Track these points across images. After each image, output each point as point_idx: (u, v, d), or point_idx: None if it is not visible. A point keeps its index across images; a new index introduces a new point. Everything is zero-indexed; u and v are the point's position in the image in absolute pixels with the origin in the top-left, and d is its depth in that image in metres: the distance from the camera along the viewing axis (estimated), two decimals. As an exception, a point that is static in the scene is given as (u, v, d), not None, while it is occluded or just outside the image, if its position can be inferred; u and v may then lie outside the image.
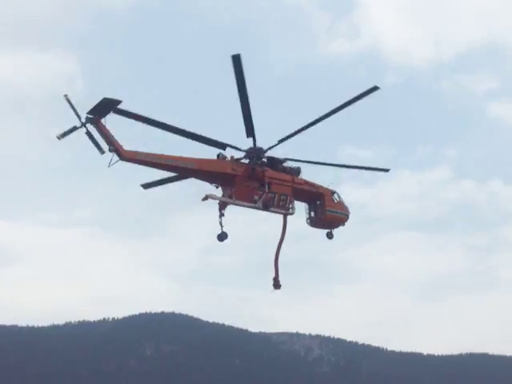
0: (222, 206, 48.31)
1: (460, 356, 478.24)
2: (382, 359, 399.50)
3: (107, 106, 44.03)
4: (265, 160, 50.19)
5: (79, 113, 44.65)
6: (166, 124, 46.38)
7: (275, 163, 50.49)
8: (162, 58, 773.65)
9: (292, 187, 50.57)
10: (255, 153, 49.43)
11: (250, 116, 46.69)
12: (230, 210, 49.08)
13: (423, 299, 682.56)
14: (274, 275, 51.20)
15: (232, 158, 49.32)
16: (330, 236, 53.45)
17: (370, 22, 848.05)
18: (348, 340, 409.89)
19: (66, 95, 44.26)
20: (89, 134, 45.09)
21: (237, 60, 44.54)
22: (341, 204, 53.13)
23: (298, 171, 51.64)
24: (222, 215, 48.24)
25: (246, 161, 49.71)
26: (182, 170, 47.74)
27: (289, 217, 50.69)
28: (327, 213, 52.07)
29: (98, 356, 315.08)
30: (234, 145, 48.95)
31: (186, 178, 49.41)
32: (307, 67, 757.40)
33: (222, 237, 48.76)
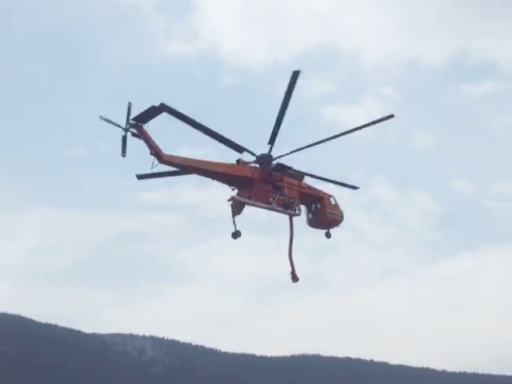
0: (238, 206, 53.10)
1: (293, 357, 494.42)
2: (215, 360, 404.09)
3: (152, 113, 48.03)
4: (274, 166, 54.94)
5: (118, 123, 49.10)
6: (201, 125, 50.31)
7: (284, 169, 55.31)
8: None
9: (298, 191, 55.78)
10: (266, 159, 54.19)
11: (280, 127, 51.68)
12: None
13: (257, 301, 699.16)
14: (290, 270, 56.61)
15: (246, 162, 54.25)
16: (328, 235, 58.71)
17: (207, 24, 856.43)
18: (181, 341, 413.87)
19: (129, 103, 48.44)
20: (124, 138, 49.21)
21: (296, 75, 49.90)
22: (337, 206, 58.12)
23: (302, 177, 56.84)
24: (235, 215, 53.04)
25: (256, 165, 54.60)
26: (210, 173, 52.43)
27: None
28: (327, 214, 57.26)
29: None
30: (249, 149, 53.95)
31: (187, 174, 53.49)
32: (145, 68, 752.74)
33: (236, 235, 53.55)
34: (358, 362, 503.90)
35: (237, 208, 53.35)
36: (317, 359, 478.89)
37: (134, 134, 49.34)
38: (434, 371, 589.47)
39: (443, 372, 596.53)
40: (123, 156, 49.43)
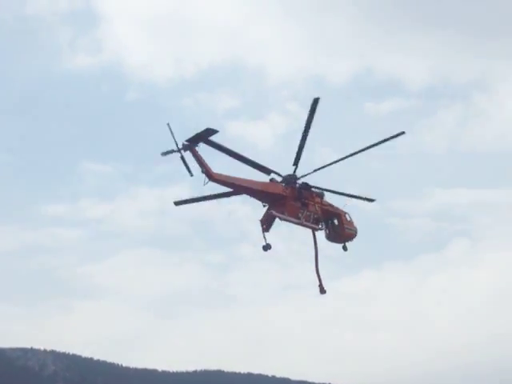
0: (268, 221, 57.98)
1: (195, 372, 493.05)
2: (116, 375, 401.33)
3: (204, 136, 52.34)
4: (300, 184, 60.02)
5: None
6: (240, 155, 55.61)
7: (309, 188, 60.30)
8: None
9: (321, 208, 60.62)
10: (292, 179, 59.09)
11: (302, 150, 57.22)
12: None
13: (159, 316, 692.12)
14: (318, 283, 60.97)
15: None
16: (345, 249, 63.71)
17: (113, 37, 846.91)
18: (83, 356, 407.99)
19: (168, 124, 52.10)
20: (183, 158, 53.35)
21: (316, 102, 54.92)
22: (352, 222, 63.08)
23: (323, 195, 61.64)
24: (264, 230, 57.76)
25: (283, 184, 59.64)
26: (250, 190, 57.49)
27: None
28: (345, 230, 62.23)
29: None
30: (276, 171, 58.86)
31: (224, 196, 58.75)
32: (49, 81, 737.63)
33: (267, 248, 57.83)
34: (260, 377, 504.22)
35: (266, 224, 57.81)
36: (219, 374, 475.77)
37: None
38: None
39: None
40: (191, 175, 53.44)
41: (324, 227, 61.77)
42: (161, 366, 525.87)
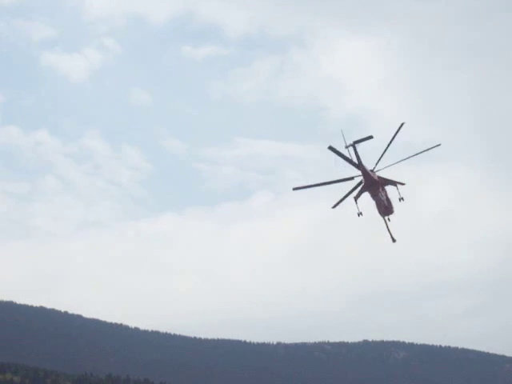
0: (360, 196, 79.75)
1: None
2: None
3: (363, 140, 73.81)
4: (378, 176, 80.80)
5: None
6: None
7: (385, 178, 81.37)
8: None
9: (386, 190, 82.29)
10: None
11: (382, 155, 78.72)
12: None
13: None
14: (390, 236, 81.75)
15: None
16: (389, 220, 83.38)
17: None
18: None
19: (341, 130, 73.87)
20: (354, 148, 74.44)
21: (401, 126, 77.06)
22: (390, 202, 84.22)
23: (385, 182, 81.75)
24: (356, 201, 79.76)
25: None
26: (375, 181, 79.64)
27: None
28: (392, 207, 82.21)
29: None
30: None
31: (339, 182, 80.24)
32: None
33: (359, 214, 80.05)
34: (53, 312, 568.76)
35: (357, 197, 79.18)
36: (10, 306, 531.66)
37: (347, 147, 74.89)
38: (127, 328, 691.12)
39: (136, 329, 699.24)
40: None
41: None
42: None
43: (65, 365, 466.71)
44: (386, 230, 79.89)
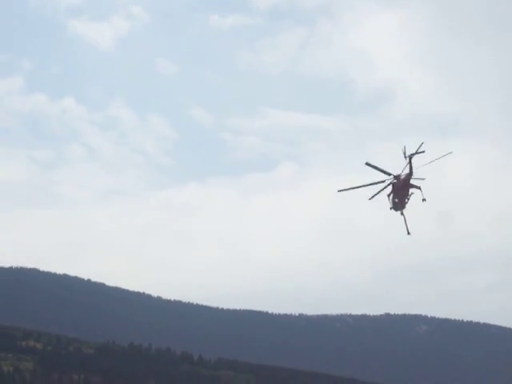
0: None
1: (10, 269, 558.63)
2: None
3: (416, 153, 76.97)
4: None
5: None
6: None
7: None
8: None
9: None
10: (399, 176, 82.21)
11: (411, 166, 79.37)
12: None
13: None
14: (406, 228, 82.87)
15: None
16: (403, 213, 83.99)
17: None
18: None
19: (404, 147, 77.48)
20: (410, 158, 77.63)
21: (421, 147, 76.76)
22: None
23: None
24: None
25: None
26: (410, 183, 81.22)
27: None
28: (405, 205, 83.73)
29: None
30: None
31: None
32: None
33: (391, 209, 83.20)
34: (76, 280, 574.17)
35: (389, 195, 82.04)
36: (34, 273, 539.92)
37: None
38: (149, 297, 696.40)
39: (158, 298, 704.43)
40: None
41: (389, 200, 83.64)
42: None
43: (87, 333, 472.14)
44: (404, 222, 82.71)
